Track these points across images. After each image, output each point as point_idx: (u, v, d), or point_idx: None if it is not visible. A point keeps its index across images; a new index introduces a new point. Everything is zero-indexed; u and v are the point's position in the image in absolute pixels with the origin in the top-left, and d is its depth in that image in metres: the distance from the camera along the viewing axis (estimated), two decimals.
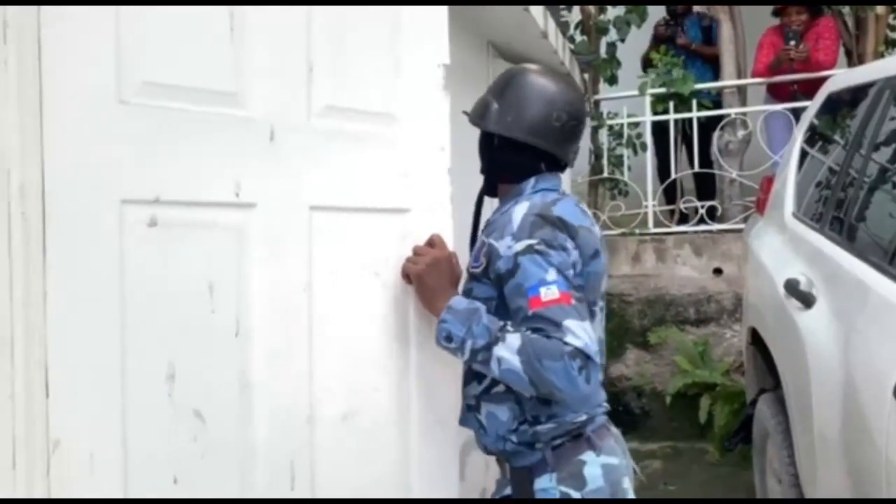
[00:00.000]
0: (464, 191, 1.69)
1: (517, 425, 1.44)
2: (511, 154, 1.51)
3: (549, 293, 1.32)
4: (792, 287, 2.25)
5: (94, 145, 1.08)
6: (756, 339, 2.79)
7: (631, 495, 1.45)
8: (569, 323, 1.30)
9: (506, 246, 1.39)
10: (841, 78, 2.87)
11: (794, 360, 2.19)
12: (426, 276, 1.43)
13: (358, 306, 1.39)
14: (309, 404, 1.32)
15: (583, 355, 1.29)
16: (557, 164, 1.54)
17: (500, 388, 1.45)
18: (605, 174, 4.94)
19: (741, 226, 4.65)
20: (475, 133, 1.63)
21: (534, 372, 1.30)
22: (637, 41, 5.12)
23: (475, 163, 1.66)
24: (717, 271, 4.66)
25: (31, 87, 1.01)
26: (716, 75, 5.22)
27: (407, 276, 1.46)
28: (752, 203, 4.72)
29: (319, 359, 1.33)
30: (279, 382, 1.28)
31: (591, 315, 1.43)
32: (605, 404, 1.52)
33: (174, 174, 1.17)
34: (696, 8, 5.50)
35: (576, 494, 1.40)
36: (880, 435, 1.62)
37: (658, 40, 5.27)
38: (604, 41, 5.02)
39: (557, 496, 1.39)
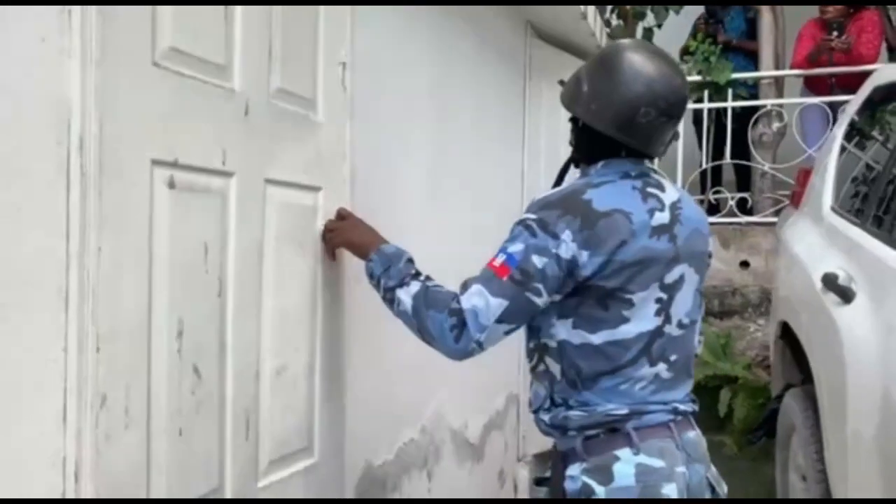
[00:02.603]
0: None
1: (549, 405, 1.48)
2: (593, 138, 1.48)
3: (498, 260, 1.42)
4: (830, 281, 2.23)
5: (134, 104, 1.14)
6: (785, 333, 2.76)
7: None
8: (476, 287, 1.41)
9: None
10: (887, 72, 2.82)
11: (829, 356, 2.18)
12: (353, 236, 1.64)
13: (288, 272, 1.56)
14: (257, 361, 1.46)
15: (460, 317, 1.40)
16: (642, 152, 1.50)
17: (541, 367, 1.51)
18: None
19: (771, 219, 4.61)
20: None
21: (419, 317, 1.45)
22: (674, 28, 5.07)
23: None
24: (745, 264, 4.62)
25: (90, 43, 1.06)
26: (757, 70, 5.14)
27: (331, 248, 1.66)
28: (783, 196, 4.67)
29: (265, 319, 1.47)
30: (241, 340, 1.40)
31: (618, 303, 1.39)
32: (676, 405, 1.45)
33: (186, 139, 1.26)
34: None
35: (599, 488, 1.37)
36: None
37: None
38: (640, 26, 4.93)
39: (580, 485, 1.39)
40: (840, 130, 2.96)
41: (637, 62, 1.43)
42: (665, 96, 1.42)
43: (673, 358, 1.45)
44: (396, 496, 2.14)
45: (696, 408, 1.52)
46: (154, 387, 1.18)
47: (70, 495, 1.03)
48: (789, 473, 2.67)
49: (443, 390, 2.47)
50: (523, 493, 3.30)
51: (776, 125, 4.96)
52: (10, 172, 0.97)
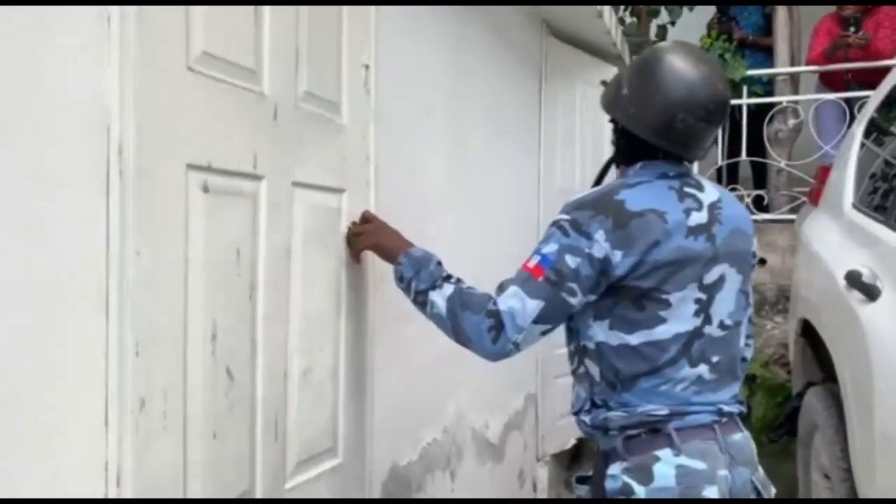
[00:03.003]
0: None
1: (590, 406, 1.48)
2: (632, 141, 1.49)
3: (532, 261, 1.43)
4: (854, 279, 2.22)
5: (170, 109, 1.16)
6: (806, 331, 2.75)
7: None
8: (512, 289, 1.42)
9: None
10: None
11: (854, 354, 2.17)
12: (379, 239, 1.66)
13: (313, 274, 1.57)
14: (285, 361, 1.47)
15: (498, 318, 1.41)
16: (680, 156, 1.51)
17: (581, 369, 1.51)
18: None
19: (788, 216, 4.58)
20: None
21: (454, 320, 1.46)
22: (688, 25, 5.04)
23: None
24: (762, 262, 4.60)
25: (128, 50, 1.08)
26: (772, 66, 5.12)
27: (357, 251, 1.68)
28: (800, 193, 4.64)
29: (293, 321, 1.49)
30: (271, 342, 1.42)
31: (653, 304, 1.39)
32: (721, 406, 1.44)
33: (219, 143, 1.27)
34: None
35: (639, 488, 1.37)
36: None
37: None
38: (654, 24, 4.92)
39: (620, 484, 1.38)
40: (860, 127, 2.94)
41: (677, 67, 1.42)
42: (704, 103, 1.41)
43: (715, 359, 1.44)
44: (421, 496, 2.15)
45: (744, 409, 1.51)
46: (190, 390, 1.20)
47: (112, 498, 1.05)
48: (811, 472, 2.66)
49: (463, 391, 2.47)
50: (543, 493, 3.31)
51: (792, 122, 4.94)
52: (53, 181, 0.98)
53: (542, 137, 3.28)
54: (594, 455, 1.53)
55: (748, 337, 1.59)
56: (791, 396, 3.06)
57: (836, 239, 2.67)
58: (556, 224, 1.44)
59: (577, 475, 1.57)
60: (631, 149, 1.50)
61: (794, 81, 5.17)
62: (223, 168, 1.26)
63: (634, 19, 4.83)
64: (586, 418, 1.48)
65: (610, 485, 1.40)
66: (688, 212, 1.42)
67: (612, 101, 1.52)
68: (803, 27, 5.22)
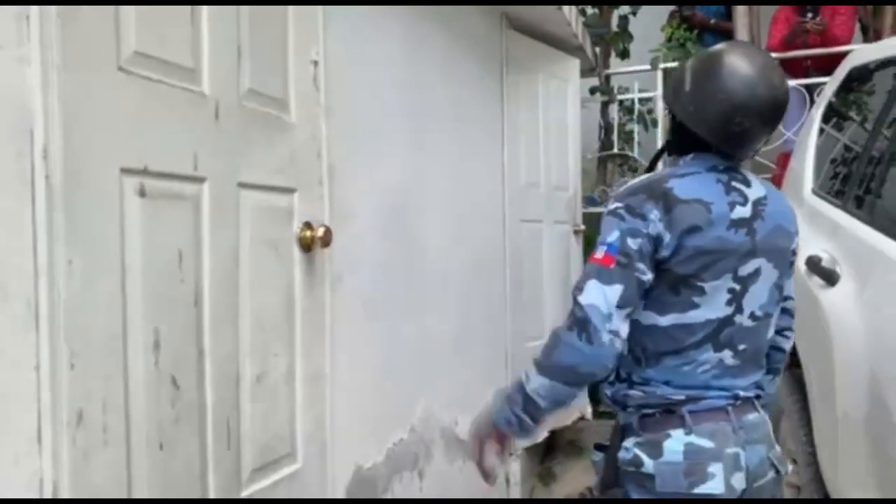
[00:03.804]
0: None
1: (614, 379, 1.55)
2: (687, 133, 1.55)
3: (599, 252, 1.46)
4: (814, 264, 2.24)
5: (100, 110, 1.12)
6: None
7: (717, 482, 1.42)
8: (589, 284, 1.44)
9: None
10: (864, 52, 2.83)
11: (816, 339, 2.18)
12: (476, 442, 1.57)
13: (265, 277, 1.53)
14: (236, 367, 1.44)
15: (581, 320, 1.42)
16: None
17: None
18: (615, 150, 4.87)
19: None
20: None
21: (552, 368, 1.44)
22: (650, 15, 5.05)
23: None
24: None
25: (50, 50, 1.03)
26: None
27: (481, 462, 1.57)
28: (762, 179, 4.67)
29: (243, 325, 1.46)
30: (219, 348, 1.38)
31: (689, 289, 1.46)
32: (738, 391, 1.50)
33: (156, 145, 1.23)
34: None
35: (648, 461, 1.45)
36: None
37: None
38: (616, 14, 4.92)
39: (632, 456, 1.48)
40: (818, 112, 2.96)
41: (740, 70, 1.47)
42: (762, 107, 1.46)
43: (742, 347, 1.50)
44: (388, 497, 2.12)
45: (762, 393, 1.57)
46: (132, 401, 1.16)
47: None
48: None
49: (431, 389, 2.45)
50: (515, 488, 3.30)
51: None
52: None
53: (506, 131, 3.26)
54: (614, 427, 1.60)
55: (787, 329, 1.67)
56: None
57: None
58: (611, 213, 1.49)
59: (595, 443, 1.64)
60: (685, 141, 1.57)
61: None
62: (161, 171, 1.22)
63: (596, 10, 4.83)
64: (609, 391, 1.56)
65: (623, 455, 1.49)
66: (732, 205, 1.49)
67: (675, 95, 1.57)
68: (762, 14, 5.25)
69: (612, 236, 1.46)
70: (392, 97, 2.22)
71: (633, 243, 1.44)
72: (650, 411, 1.49)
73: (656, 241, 1.44)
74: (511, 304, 3.26)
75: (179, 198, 1.28)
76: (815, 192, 2.66)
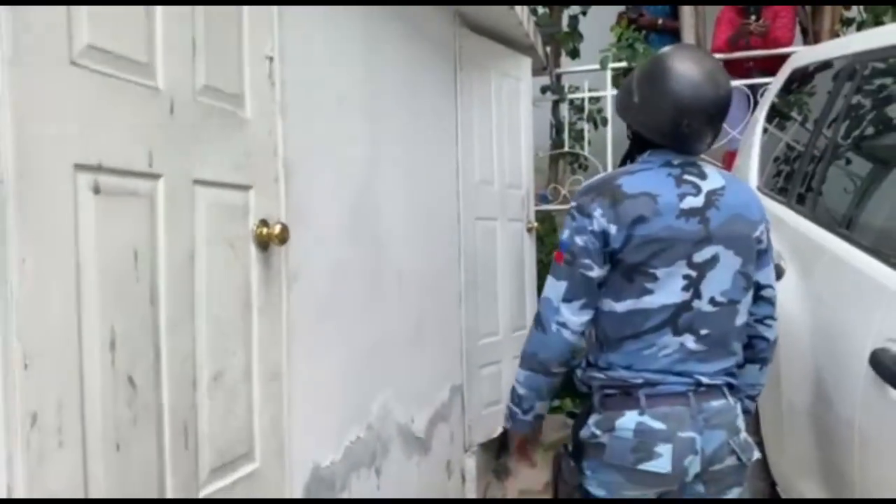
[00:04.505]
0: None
1: (585, 364, 1.69)
2: (642, 138, 1.68)
3: (557, 250, 1.63)
4: None
5: (53, 105, 1.09)
6: None
7: (663, 461, 1.53)
8: (548, 279, 1.63)
9: None
10: (805, 54, 2.93)
11: None
12: (520, 444, 1.84)
13: (221, 275, 1.52)
14: (193, 366, 1.43)
15: (538, 313, 1.63)
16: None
17: (587, 331, 1.68)
18: (566, 148, 4.94)
19: None
20: None
21: (523, 358, 1.68)
22: (600, 15, 5.13)
23: None
24: None
25: (2, 41, 1.02)
26: None
27: (523, 454, 1.87)
28: (727, 173, 4.78)
29: (199, 324, 1.44)
30: (176, 347, 1.37)
31: (641, 276, 1.56)
32: (701, 377, 1.58)
33: (110, 141, 1.21)
34: None
35: (603, 435, 1.60)
36: (853, 404, 1.66)
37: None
38: (566, 14, 4.98)
39: (589, 433, 1.63)
40: (762, 113, 3.05)
41: (682, 77, 1.56)
42: (707, 107, 1.56)
43: (704, 332, 1.58)
44: (346, 496, 2.12)
45: (732, 381, 1.63)
46: (88, 402, 1.14)
47: None
48: None
49: (388, 386, 2.45)
50: (471, 483, 3.32)
51: None
52: None
53: (460, 129, 3.28)
54: (583, 406, 1.75)
55: (768, 318, 1.74)
56: None
57: None
58: (568, 213, 1.63)
59: (568, 411, 1.84)
60: (643, 143, 1.69)
61: None
62: (115, 167, 1.20)
63: (546, 10, 4.88)
64: (580, 374, 1.70)
65: (583, 432, 1.65)
66: (682, 196, 1.58)
67: (625, 108, 1.70)
68: (708, 15, 5.38)
69: (565, 235, 1.62)
70: (348, 94, 2.22)
71: (579, 240, 1.57)
72: (611, 392, 1.61)
73: (604, 235, 1.56)
74: (465, 302, 3.28)
75: (134, 195, 1.26)
76: (759, 189, 2.75)
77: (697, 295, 1.57)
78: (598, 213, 1.56)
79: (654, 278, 1.56)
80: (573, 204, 1.63)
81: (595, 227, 1.56)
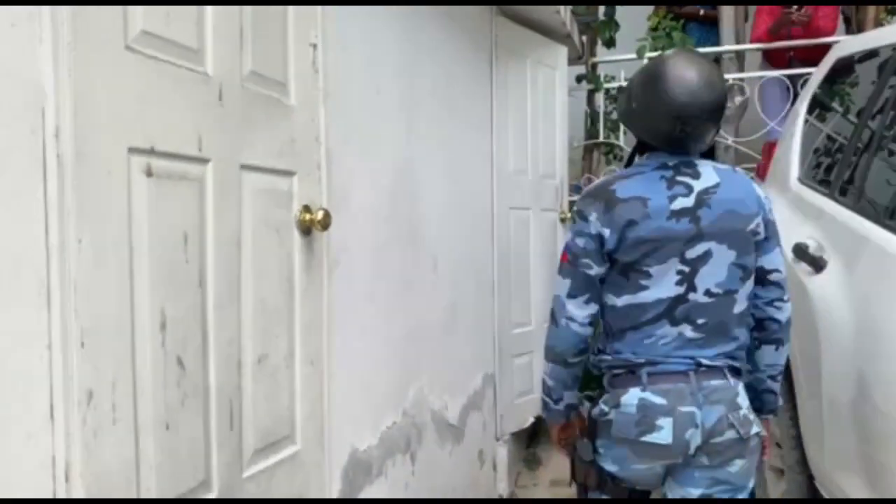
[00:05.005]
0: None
1: (597, 352, 1.81)
2: (642, 142, 1.81)
3: (563, 253, 1.78)
4: (801, 251, 2.28)
5: (109, 89, 1.11)
6: None
7: (665, 433, 1.64)
8: (557, 277, 1.77)
9: None
10: (849, 43, 2.87)
11: (802, 324, 2.23)
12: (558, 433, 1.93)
13: (266, 260, 1.54)
14: (238, 349, 1.45)
15: (551, 307, 1.77)
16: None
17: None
18: (601, 138, 4.90)
19: None
20: None
21: (545, 351, 1.81)
22: (637, 5, 5.06)
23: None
24: None
25: (62, 27, 1.03)
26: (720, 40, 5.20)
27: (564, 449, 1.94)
28: (746, 169, 4.73)
29: (245, 307, 1.46)
30: (223, 330, 1.39)
31: (636, 274, 1.68)
32: (701, 359, 1.67)
33: (162, 125, 1.23)
34: None
35: (611, 411, 1.72)
36: None
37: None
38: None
39: (599, 410, 1.75)
40: (803, 104, 3.01)
41: (677, 82, 1.63)
42: (702, 111, 1.64)
43: (701, 321, 1.68)
44: (382, 480, 2.14)
45: (734, 363, 1.72)
46: (140, 381, 1.17)
47: (61, 496, 1.01)
48: None
49: (423, 373, 2.47)
50: (503, 472, 3.33)
51: (738, 99, 5.01)
52: None
53: (494, 118, 3.28)
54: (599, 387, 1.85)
55: (777, 300, 1.79)
56: None
57: (783, 213, 2.72)
58: (571, 217, 1.78)
59: (585, 393, 1.88)
60: (644, 145, 1.81)
61: (740, 59, 5.26)
62: (167, 151, 1.22)
63: None
64: (593, 360, 1.81)
65: (594, 410, 1.77)
66: (673, 198, 1.68)
67: (626, 115, 1.81)
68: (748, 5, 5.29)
69: (569, 237, 1.76)
70: (385, 83, 2.22)
71: (580, 242, 1.72)
72: (618, 371, 1.73)
73: (599, 238, 1.69)
74: (498, 291, 3.29)
75: (184, 178, 1.28)
76: (800, 180, 2.71)
77: (692, 288, 1.68)
78: (593, 217, 1.69)
79: (648, 275, 1.68)
80: (576, 208, 1.76)
81: (592, 230, 1.69)
